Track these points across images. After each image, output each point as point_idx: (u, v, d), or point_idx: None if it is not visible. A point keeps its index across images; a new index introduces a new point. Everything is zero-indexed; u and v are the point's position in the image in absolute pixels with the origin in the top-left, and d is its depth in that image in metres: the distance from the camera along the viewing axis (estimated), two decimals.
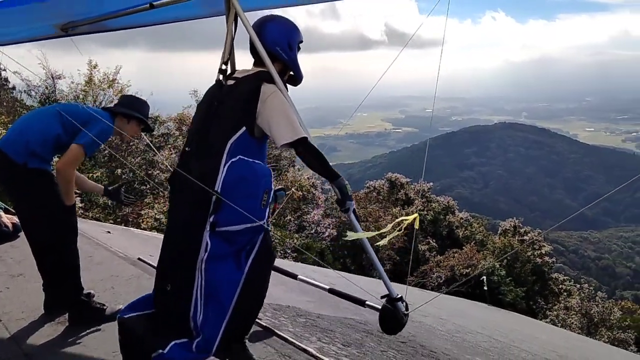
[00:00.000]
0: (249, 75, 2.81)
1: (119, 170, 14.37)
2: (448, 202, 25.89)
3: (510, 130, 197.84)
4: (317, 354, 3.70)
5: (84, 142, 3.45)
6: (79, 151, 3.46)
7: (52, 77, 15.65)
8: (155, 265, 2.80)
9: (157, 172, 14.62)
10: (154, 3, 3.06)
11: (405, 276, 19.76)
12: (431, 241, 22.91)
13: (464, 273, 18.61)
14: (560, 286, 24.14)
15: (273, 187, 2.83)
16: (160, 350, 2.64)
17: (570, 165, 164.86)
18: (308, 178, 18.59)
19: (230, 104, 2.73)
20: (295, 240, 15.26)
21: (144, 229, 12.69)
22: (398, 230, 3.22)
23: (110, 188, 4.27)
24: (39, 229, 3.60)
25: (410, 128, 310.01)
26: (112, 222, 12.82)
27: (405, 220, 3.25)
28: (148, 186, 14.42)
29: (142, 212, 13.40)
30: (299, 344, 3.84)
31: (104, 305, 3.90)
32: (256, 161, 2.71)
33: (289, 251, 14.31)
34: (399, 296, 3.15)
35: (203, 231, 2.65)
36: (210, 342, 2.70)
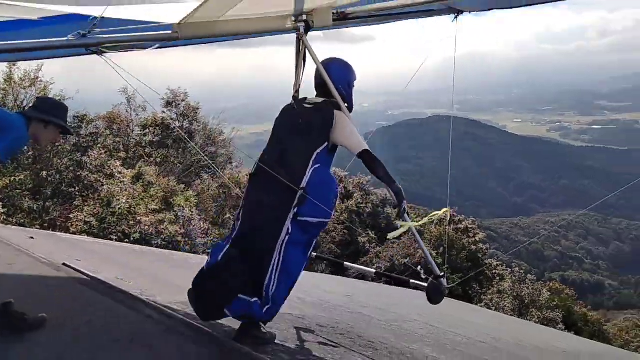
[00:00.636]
0: (323, 103, 3.78)
1: (45, 173, 13.66)
2: (386, 195, 26.33)
3: (443, 122, 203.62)
4: (252, 352, 3.63)
5: None
6: None
7: None
8: (82, 270, 3.00)
9: (87, 173, 13.98)
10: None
11: (345, 269, 19.96)
12: (370, 233, 23.28)
13: (402, 262, 19.01)
14: (494, 271, 25.14)
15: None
16: (243, 297, 3.46)
17: (501, 155, 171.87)
18: (247, 174, 18.38)
19: (315, 124, 3.63)
20: None
21: (74, 232, 12.13)
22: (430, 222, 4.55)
23: None
24: None
25: None
26: (38, 227, 12.18)
27: (436, 214, 4.34)
28: (77, 188, 13.78)
29: (71, 216, 12.79)
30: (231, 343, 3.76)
31: (24, 314, 3.67)
32: (330, 171, 3.66)
33: None
34: (442, 274, 4.24)
35: (286, 218, 3.45)
36: (276, 309, 3.57)
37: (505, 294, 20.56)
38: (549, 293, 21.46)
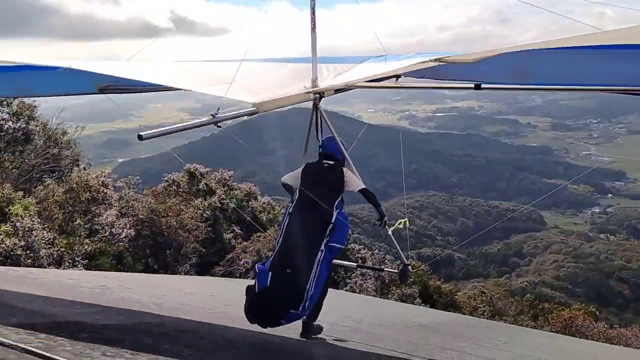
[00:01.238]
0: (335, 164, 5.53)
1: None
2: (250, 189, 26.18)
3: (304, 114, 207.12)
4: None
5: None
6: None
7: None
8: None
9: None
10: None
11: (212, 267, 19.58)
12: (236, 228, 22.97)
13: (270, 255, 19.06)
14: (357, 255, 26.25)
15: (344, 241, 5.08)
16: (293, 311, 4.65)
17: (358, 144, 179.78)
18: (97, 177, 17.07)
19: (333, 180, 5.25)
20: (86, 246, 13.90)
21: None
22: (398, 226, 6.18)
23: None
24: None
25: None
26: None
27: (398, 224, 6.18)
28: None
29: None
30: None
31: None
32: (342, 232, 5.01)
33: (78, 259, 12.97)
34: (408, 263, 6.05)
35: (322, 243, 4.79)
36: (312, 304, 4.84)
37: (367, 275, 21.60)
38: None
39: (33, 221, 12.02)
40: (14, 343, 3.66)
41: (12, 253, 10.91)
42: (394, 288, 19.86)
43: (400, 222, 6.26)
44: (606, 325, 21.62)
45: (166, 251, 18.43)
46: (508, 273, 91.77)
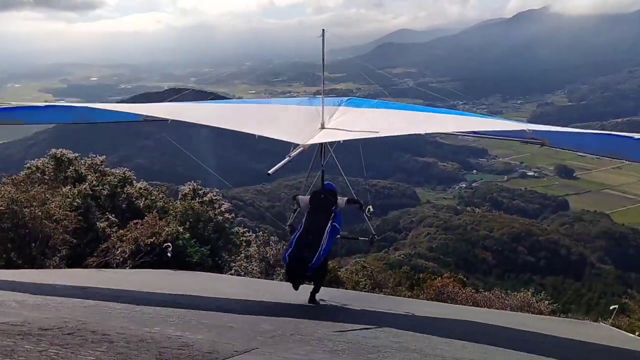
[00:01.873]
0: (330, 193, 8.47)
1: None
2: (124, 174, 24.80)
3: (181, 96, 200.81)
4: None
5: None
6: None
7: None
8: None
9: None
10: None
11: (85, 258, 18.39)
12: (110, 216, 21.69)
13: (149, 243, 18.25)
14: (241, 238, 26.05)
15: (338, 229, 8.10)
16: (310, 264, 7.20)
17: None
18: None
19: (330, 203, 8.18)
20: None
21: None
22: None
23: None
24: None
25: (75, 98, 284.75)
26: None
27: (367, 210, 9.63)
28: None
29: None
30: None
31: None
32: (337, 228, 7.99)
33: None
34: (375, 234, 9.67)
35: (328, 224, 7.71)
36: (322, 256, 7.47)
37: (252, 258, 21.55)
38: None
39: None
40: None
41: None
42: (278, 269, 20.02)
43: (369, 208, 9.51)
44: (473, 290, 23.55)
45: (31, 244, 16.95)
46: (387, 247, 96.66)
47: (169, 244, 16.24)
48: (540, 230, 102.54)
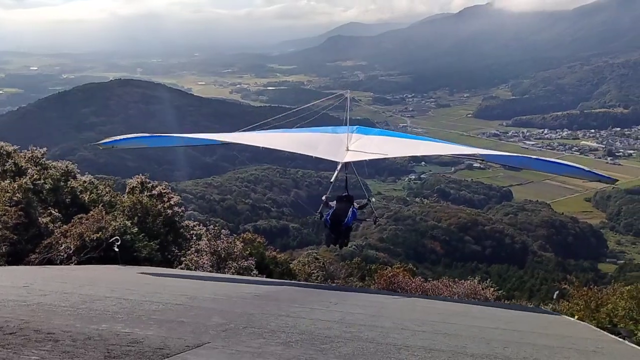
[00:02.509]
0: (347, 196, 11.26)
1: None
2: (67, 167, 23.91)
3: (127, 86, 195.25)
4: None
5: None
6: None
7: None
8: None
9: None
10: None
11: (27, 255, 17.69)
12: (53, 211, 20.88)
13: (95, 238, 17.70)
14: (191, 232, 25.64)
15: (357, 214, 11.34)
16: (342, 224, 10.70)
17: (189, 117, 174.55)
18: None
19: (347, 199, 11.09)
20: None
21: None
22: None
23: None
24: None
25: (14, 89, 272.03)
26: None
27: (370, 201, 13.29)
28: None
29: None
30: None
31: None
32: (356, 212, 11.09)
33: None
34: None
35: (350, 208, 10.78)
36: (349, 223, 10.95)
37: (203, 251, 21.25)
38: (242, 243, 23.09)
39: None
40: None
41: None
42: (230, 262, 19.85)
43: (372, 201, 12.68)
44: (422, 279, 24.09)
45: None
46: None
47: (117, 237, 15.81)
48: (486, 220, 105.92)
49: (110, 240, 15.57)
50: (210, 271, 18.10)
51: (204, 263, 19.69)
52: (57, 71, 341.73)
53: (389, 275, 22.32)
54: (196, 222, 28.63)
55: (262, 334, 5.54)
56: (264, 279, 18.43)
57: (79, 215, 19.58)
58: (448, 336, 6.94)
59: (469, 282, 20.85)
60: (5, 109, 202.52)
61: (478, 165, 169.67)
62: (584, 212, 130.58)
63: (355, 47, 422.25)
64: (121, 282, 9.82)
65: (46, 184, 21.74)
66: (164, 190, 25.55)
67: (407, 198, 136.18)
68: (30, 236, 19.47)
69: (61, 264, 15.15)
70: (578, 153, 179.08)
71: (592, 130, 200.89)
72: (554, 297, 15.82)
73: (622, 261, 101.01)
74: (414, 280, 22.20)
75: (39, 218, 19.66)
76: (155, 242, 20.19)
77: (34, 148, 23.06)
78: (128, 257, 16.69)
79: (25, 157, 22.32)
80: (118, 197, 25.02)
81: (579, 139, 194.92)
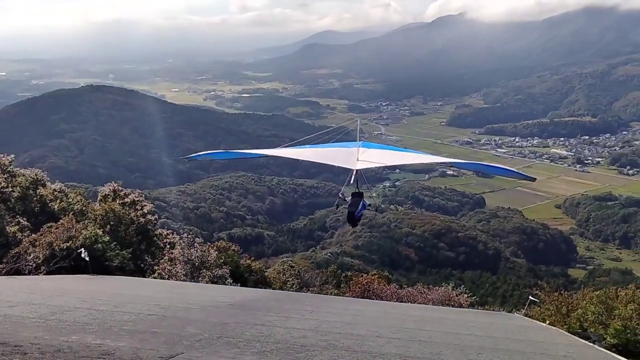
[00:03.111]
0: (358, 193, 12.66)
1: None
2: (37, 175, 23.41)
3: (99, 93, 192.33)
4: None
5: None
6: None
7: None
8: None
9: None
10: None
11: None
12: (22, 220, 20.39)
13: (65, 247, 17.33)
14: (165, 240, 25.29)
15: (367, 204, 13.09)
16: (355, 213, 12.52)
17: (162, 124, 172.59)
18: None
19: (358, 195, 12.67)
20: None
21: None
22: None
23: None
24: None
25: None
26: None
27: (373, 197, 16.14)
28: None
29: None
30: None
31: None
32: (365, 204, 12.80)
33: None
34: (380, 205, 21.59)
35: (361, 200, 12.58)
36: (360, 212, 12.75)
37: (176, 260, 20.96)
38: (216, 252, 22.86)
39: None
40: None
41: None
42: (204, 271, 19.64)
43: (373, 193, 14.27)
44: (397, 286, 24.21)
45: None
46: (314, 246, 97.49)
47: (82, 249, 15.47)
48: (460, 227, 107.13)
49: (78, 251, 15.24)
50: (184, 280, 17.87)
51: (177, 272, 19.44)
52: (26, 77, 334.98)
53: (364, 282, 22.37)
54: (170, 231, 28.28)
55: (237, 344, 5.48)
56: (239, 287, 18.28)
57: (49, 224, 19.16)
58: (423, 343, 6.97)
59: (443, 288, 21.04)
60: None
61: (451, 172, 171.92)
62: (554, 219, 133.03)
63: (330, 55, 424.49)
64: (92, 293, 9.62)
65: (14, 192, 21.24)
66: (137, 198, 25.20)
67: (382, 205, 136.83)
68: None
69: (29, 274, 14.81)
70: (548, 161, 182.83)
71: (562, 139, 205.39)
72: (527, 303, 16.08)
73: (591, 267, 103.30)
74: (389, 288, 22.30)
75: (7, 227, 19.17)
76: (128, 251, 19.89)
77: (1, 155, 22.50)
78: (99, 266, 16.39)
79: None
80: (89, 206, 24.58)
81: (549, 146, 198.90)
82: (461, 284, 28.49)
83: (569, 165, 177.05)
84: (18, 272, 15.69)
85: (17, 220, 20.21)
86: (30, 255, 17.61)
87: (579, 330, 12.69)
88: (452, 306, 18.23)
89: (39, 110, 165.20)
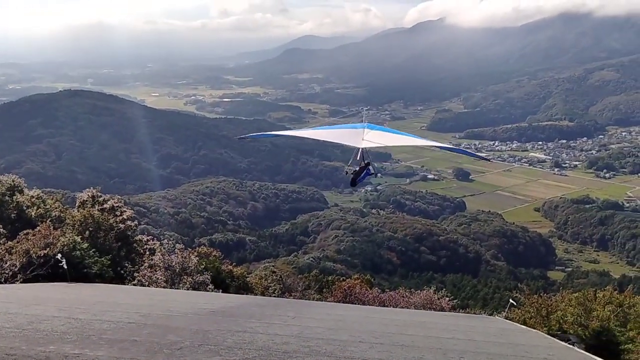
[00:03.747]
0: (367, 163, 15.03)
1: None
2: (13, 181, 22.99)
3: (77, 97, 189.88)
4: None
5: None
6: None
7: None
8: None
9: None
10: None
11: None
12: None
13: (42, 254, 17.03)
14: (145, 246, 25.01)
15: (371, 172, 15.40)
16: (357, 179, 15.48)
17: (142, 129, 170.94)
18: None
19: (364, 167, 15.09)
20: None
21: None
22: None
23: None
24: None
25: None
26: None
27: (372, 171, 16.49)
28: None
29: None
30: None
31: None
32: (369, 171, 15.26)
33: None
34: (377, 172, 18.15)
35: (366, 169, 15.05)
36: (361, 180, 15.63)
37: (156, 267, 20.73)
38: (197, 258, 22.66)
39: None
40: None
41: None
42: (185, 277, 19.44)
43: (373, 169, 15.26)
44: (379, 290, 24.27)
45: None
46: (296, 251, 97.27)
47: (59, 256, 15.21)
48: (441, 231, 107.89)
49: (55, 258, 14.98)
50: (164, 287, 17.68)
51: (158, 278, 19.22)
52: (2, 81, 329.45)
53: (347, 287, 22.38)
54: (150, 237, 27.99)
55: (219, 351, 5.43)
56: (220, 294, 18.13)
57: (25, 231, 18.81)
58: (405, 348, 6.98)
59: (425, 292, 21.14)
60: None
61: (432, 177, 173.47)
62: (533, 222, 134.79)
63: (311, 60, 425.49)
64: (70, 301, 9.46)
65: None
66: (116, 204, 24.88)
67: (364, 209, 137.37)
68: None
69: (6, 282, 14.52)
70: (527, 164, 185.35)
71: (540, 143, 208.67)
72: (508, 306, 16.26)
73: (569, 269, 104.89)
74: (371, 292, 22.34)
75: None
76: (107, 257, 19.61)
77: None
78: (78, 273, 16.13)
79: None
80: (68, 212, 24.20)
81: (527, 150, 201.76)
82: (443, 287, 28.67)
83: (548, 169, 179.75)
84: None
85: None
86: (6, 263, 17.25)
87: (559, 332, 12.84)
88: (434, 310, 18.33)
89: (15, 115, 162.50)
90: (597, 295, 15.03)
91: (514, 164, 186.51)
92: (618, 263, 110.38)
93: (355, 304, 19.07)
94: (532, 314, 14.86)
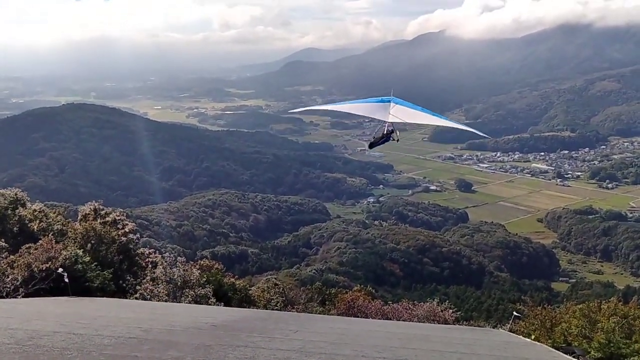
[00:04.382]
0: (391, 130, 16.85)
1: None
2: (16, 194, 23.03)
3: (80, 111, 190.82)
4: None
5: None
6: None
7: None
8: None
9: None
10: None
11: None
12: (0, 241, 19.99)
13: (44, 268, 17.00)
14: (147, 260, 24.95)
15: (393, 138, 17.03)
16: (375, 143, 17.77)
17: (145, 142, 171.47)
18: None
19: (387, 133, 17.01)
20: None
21: None
22: None
23: None
24: None
25: None
26: None
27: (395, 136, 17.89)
28: None
29: None
30: None
31: None
32: (389, 137, 17.04)
33: None
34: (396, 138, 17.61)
35: (389, 136, 16.98)
36: (381, 143, 17.67)
37: (158, 280, 20.65)
38: (199, 271, 22.58)
39: None
40: None
41: None
42: (187, 290, 19.36)
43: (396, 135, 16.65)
44: (382, 303, 24.11)
45: None
46: (298, 263, 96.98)
47: (60, 270, 15.18)
48: (444, 242, 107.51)
49: (57, 272, 14.95)
50: (166, 300, 17.60)
51: (159, 292, 19.13)
52: (5, 95, 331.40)
53: (349, 299, 22.26)
54: (152, 250, 27.95)
55: None
56: (221, 307, 18.05)
57: (27, 245, 18.80)
58: None
59: (428, 304, 20.98)
60: None
61: (434, 188, 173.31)
62: (536, 232, 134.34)
63: (313, 72, 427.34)
64: (71, 315, 9.41)
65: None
66: (119, 217, 24.88)
67: (367, 221, 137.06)
68: None
69: (7, 297, 14.48)
70: (529, 175, 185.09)
71: (542, 153, 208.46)
72: (512, 318, 16.13)
73: (574, 280, 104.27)
74: (373, 304, 22.20)
75: None
76: (109, 271, 19.56)
77: None
78: (80, 287, 16.08)
79: None
80: (70, 225, 24.19)
81: (530, 161, 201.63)
82: (446, 299, 28.52)
83: (550, 180, 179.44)
84: None
85: None
86: (8, 277, 17.21)
87: (564, 345, 12.72)
88: (437, 322, 18.20)
89: (18, 129, 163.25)
90: (601, 306, 14.90)
91: (516, 174, 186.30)
92: (622, 274, 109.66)
93: (358, 316, 18.95)
94: (537, 326, 14.74)
